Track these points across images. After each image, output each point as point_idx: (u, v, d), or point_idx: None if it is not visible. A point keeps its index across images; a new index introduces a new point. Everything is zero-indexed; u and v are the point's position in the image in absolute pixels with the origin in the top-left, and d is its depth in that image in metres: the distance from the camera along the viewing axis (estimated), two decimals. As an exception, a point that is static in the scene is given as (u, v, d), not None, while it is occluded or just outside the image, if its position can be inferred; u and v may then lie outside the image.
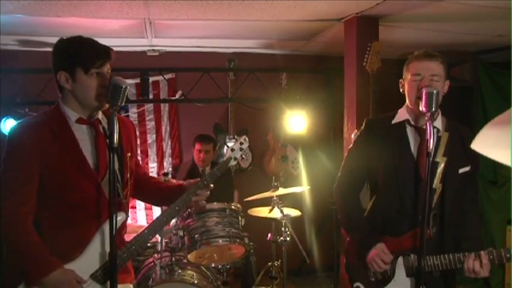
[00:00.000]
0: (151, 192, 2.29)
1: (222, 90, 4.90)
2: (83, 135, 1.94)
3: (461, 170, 2.20)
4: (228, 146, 2.30)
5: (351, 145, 2.45)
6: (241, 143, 2.31)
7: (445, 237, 2.20)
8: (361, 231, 2.29)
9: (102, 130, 1.98)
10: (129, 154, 2.06)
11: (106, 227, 1.89)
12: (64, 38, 1.94)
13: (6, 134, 4.00)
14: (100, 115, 2.00)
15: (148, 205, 4.94)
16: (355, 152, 2.39)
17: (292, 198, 4.28)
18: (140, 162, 5.01)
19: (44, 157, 1.85)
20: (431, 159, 1.97)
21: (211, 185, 2.19)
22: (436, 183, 2.17)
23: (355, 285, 2.31)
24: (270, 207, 3.76)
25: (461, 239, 2.20)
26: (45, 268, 1.80)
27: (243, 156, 2.33)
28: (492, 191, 4.71)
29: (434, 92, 2.00)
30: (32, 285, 1.82)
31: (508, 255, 2.03)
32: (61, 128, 1.90)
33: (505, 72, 4.80)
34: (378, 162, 2.27)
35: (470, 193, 2.28)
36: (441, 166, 2.18)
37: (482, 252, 2.05)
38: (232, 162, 2.30)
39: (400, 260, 2.18)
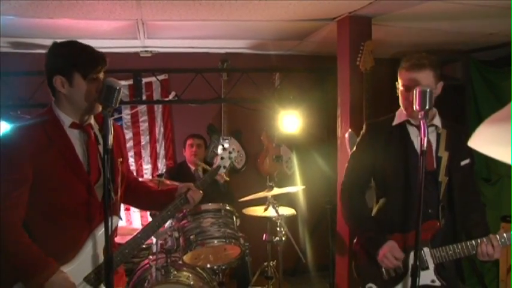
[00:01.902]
0: (142, 197, 2.31)
1: (215, 90, 4.89)
2: (75, 139, 1.95)
3: (462, 163, 2.31)
4: (223, 147, 2.38)
5: (354, 149, 2.49)
6: (230, 152, 2.42)
7: (457, 227, 2.29)
8: (370, 230, 2.33)
9: (93, 135, 1.99)
10: (120, 159, 2.08)
11: (98, 230, 1.91)
12: (58, 41, 1.94)
13: (-1, 136, 3.97)
14: (92, 120, 2.01)
15: (142, 207, 4.92)
16: (359, 155, 2.44)
17: (286, 197, 4.28)
18: (134, 164, 5.04)
19: (38, 161, 1.84)
20: (430, 153, 2.04)
21: (201, 192, 2.24)
22: (442, 176, 2.27)
23: (367, 286, 2.33)
24: (265, 206, 3.76)
25: (470, 227, 2.29)
26: (45, 271, 1.79)
27: (232, 164, 2.43)
28: (485, 188, 4.73)
29: (428, 90, 2.03)
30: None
31: None
32: (56, 131, 1.91)
33: (497, 70, 4.83)
34: (384, 162, 2.34)
35: (471, 184, 2.39)
36: (444, 160, 2.27)
37: (492, 236, 2.14)
38: (222, 170, 2.40)
39: (412, 254, 2.19)
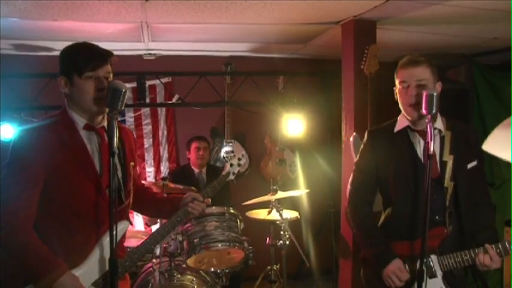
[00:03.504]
0: (147, 204, 2.29)
1: (219, 94, 4.89)
2: (89, 141, 1.94)
3: (469, 166, 2.24)
4: (227, 153, 2.42)
5: (357, 158, 2.46)
6: (239, 159, 2.43)
7: (465, 234, 2.23)
8: (377, 246, 2.29)
9: (106, 137, 1.97)
10: (132, 163, 2.08)
11: (108, 234, 1.87)
12: (69, 44, 1.97)
13: (1, 138, 3.97)
14: (105, 123, 2.00)
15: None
16: (362, 164, 2.40)
17: (290, 201, 4.26)
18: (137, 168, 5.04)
19: (51, 162, 1.84)
20: (434, 159, 2.00)
21: (208, 200, 2.24)
22: (447, 181, 2.21)
23: None
24: (268, 209, 3.75)
25: (475, 232, 2.24)
26: (53, 272, 1.78)
27: (241, 170, 2.47)
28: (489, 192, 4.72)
29: (434, 94, 2.03)
30: None
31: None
32: (70, 133, 1.91)
33: (501, 75, 4.82)
34: (387, 170, 2.29)
35: (481, 186, 2.33)
36: (450, 164, 2.21)
37: (488, 246, 2.10)
38: (231, 177, 2.42)
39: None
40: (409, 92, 2.16)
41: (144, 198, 2.28)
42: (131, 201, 2.13)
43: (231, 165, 2.40)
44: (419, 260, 2.15)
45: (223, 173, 2.39)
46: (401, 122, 2.30)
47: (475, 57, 4.97)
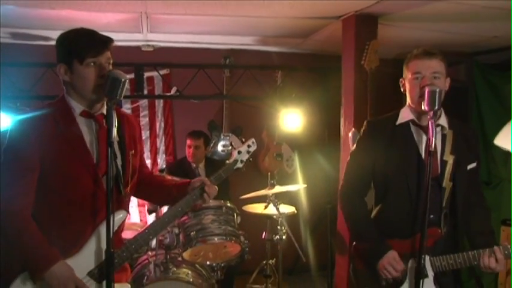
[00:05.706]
0: (154, 192, 2.23)
1: (217, 87, 4.86)
2: (86, 128, 1.91)
3: (469, 166, 2.21)
4: (231, 145, 2.26)
5: (353, 148, 2.39)
6: (248, 146, 2.24)
7: (458, 235, 2.21)
8: (370, 239, 2.24)
9: (105, 125, 1.94)
10: (132, 152, 2.03)
11: (104, 224, 1.85)
12: (65, 31, 1.92)
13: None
14: (105, 110, 1.95)
15: (141, 202, 4.88)
16: (359, 155, 2.33)
17: (287, 196, 4.26)
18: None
19: (47, 149, 1.82)
20: (435, 157, 1.98)
21: (216, 187, 2.14)
22: (446, 181, 2.17)
23: None
24: (265, 204, 3.74)
25: (474, 234, 2.21)
26: (46, 260, 1.77)
27: (251, 159, 2.28)
28: (486, 191, 4.66)
29: (437, 90, 2.01)
30: (34, 278, 1.78)
31: None
32: (66, 119, 1.88)
33: (500, 74, 4.81)
34: (385, 164, 2.23)
35: (476, 188, 2.30)
36: (450, 164, 2.17)
37: (496, 248, 2.08)
38: (239, 165, 2.21)
39: (412, 262, 2.15)
40: (424, 83, 2.09)
41: (151, 186, 2.22)
42: (135, 190, 2.10)
43: (239, 152, 2.21)
44: (411, 259, 2.14)
45: (230, 160, 2.22)
46: (405, 115, 2.23)
47: (475, 56, 4.96)
